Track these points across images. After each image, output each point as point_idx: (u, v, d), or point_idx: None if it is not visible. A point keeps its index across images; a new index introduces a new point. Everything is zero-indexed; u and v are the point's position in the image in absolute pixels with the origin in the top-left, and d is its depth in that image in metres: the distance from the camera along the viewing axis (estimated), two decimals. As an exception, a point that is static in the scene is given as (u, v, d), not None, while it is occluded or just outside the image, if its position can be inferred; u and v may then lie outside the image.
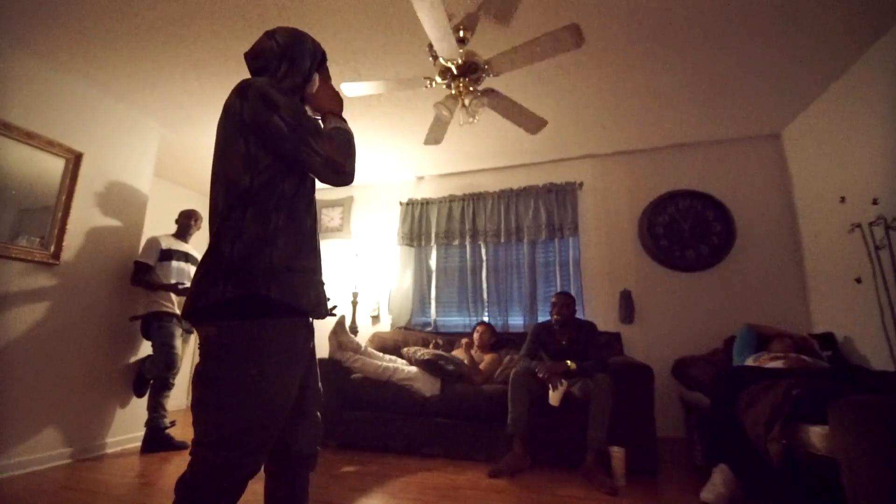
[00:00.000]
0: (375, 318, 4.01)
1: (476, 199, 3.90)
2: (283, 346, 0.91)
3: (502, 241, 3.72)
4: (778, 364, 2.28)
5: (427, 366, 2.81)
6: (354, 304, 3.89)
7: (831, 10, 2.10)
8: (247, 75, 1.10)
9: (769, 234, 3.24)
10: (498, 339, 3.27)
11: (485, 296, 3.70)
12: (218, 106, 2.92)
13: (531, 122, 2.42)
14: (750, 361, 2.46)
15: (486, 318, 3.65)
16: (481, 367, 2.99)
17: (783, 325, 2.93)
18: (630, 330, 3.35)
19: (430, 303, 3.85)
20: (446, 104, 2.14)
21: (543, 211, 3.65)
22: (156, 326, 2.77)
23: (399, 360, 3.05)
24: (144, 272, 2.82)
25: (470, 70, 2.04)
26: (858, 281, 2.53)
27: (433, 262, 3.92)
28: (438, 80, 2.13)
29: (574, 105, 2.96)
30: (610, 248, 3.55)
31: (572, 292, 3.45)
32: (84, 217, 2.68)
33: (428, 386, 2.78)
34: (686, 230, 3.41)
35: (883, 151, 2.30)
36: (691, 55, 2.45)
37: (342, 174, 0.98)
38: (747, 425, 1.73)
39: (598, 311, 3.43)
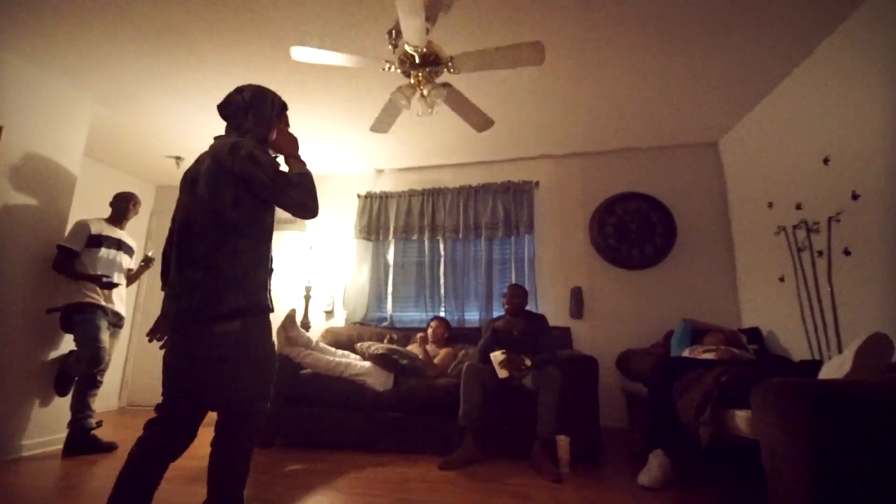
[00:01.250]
0: (329, 314, 3.91)
1: (435, 194, 3.90)
2: (270, 331, 1.35)
3: (461, 237, 3.75)
4: (710, 356, 2.45)
5: (381, 360, 2.77)
6: (307, 298, 3.77)
7: (764, 29, 2.27)
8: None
9: (706, 235, 3.47)
10: (452, 334, 3.28)
11: (442, 291, 3.71)
12: (161, 85, 2.78)
13: (479, 120, 2.45)
14: (686, 353, 2.61)
15: (442, 313, 3.66)
16: (435, 361, 2.99)
17: (716, 320, 3.14)
18: (579, 325, 3.47)
19: (386, 298, 3.81)
20: (404, 92, 2.12)
21: (501, 208, 3.71)
22: (78, 319, 2.52)
23: (352, 355, 2.99)
24: (68, 258, 2.57)
25: (432, 61, 2.03)
26: (782, 280, 2.76)
27: (391, 257, 3.88)
28: (397, 67, 2.10)
29: (531, 106, 3.03)
30: (563, 247, 3.66)
31: (527, 288, 3.54)
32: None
33: (381, 381, 2.74)
34: (633, 230, 3.58)
35: (806, 160, 2.52)
36: (641, 64, 2.58)
37: (310, 211, 1.33)
38: (681, 411, 1.84)
39: (550, 307, 3.53)
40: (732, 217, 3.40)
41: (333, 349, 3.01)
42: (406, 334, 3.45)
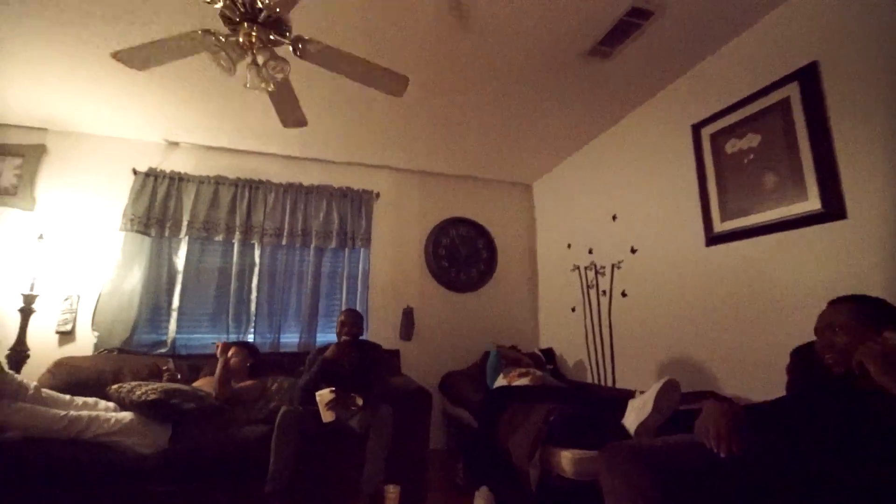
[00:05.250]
0: (67, 335, 2.69)
1: (254, 187, 3.19)
2: None
3: (284, 243, 3.15)
4: (525, 381, 2.68)
5: (151, 409, 1.98)
6: (27, 311, 2.51)
7: (582, 98, 2.60)
8: None
9: (518, 264, 3.90)
10: (257, 362, 2.68)
11: (253, 307, 3.03)
12: None
13: (291, 116, 2.05)
14: (501, 379, 2.79)
15: (251, 336, 2.99)
16: (234, 386, 2.35)
17: (522, 340, 3.55)
18: (408, 346, 3.37)
19: (169, 314, 2.87)
20: (227, 51, 1.53)
21: (336, 216, 3.30)
22: None
23: (101, 402, 2.08)
24: None
25: (269, 23, 1.52)
26: (573, 310, 3.27)
27: (180, 260, 2.96)
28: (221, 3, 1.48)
29: (375, 112, 2.76)
30: (398, 264, 3.52)
31: (357, 307, 3.23)
32: None
33: (149, 439, 1.96)
34: (462, 254, 3.72)
35: (599, 213, 3.05)
36: (481, 101, 2.62)
37: None
38: (512, 450, 1.88)
39: (381, 328, 3.33)
40: (539, 251, 3.91)
41: (67, 397, 2.03)
42: (194, 364, 2.66)
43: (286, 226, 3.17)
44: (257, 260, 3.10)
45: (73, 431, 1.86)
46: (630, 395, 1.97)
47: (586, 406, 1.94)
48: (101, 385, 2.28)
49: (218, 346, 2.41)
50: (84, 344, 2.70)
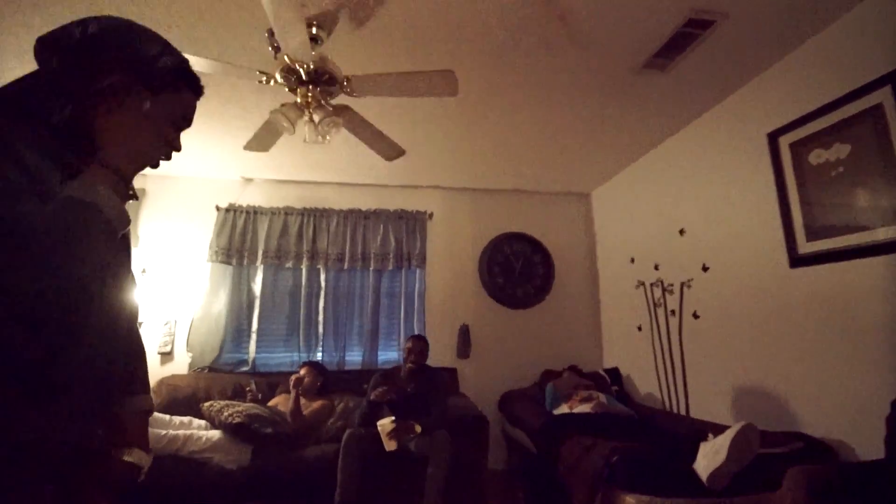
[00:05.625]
0: (166, 356, 3.08)
1: (318, 215, 3.41)
2: None
3: (346, 267, 3.34)
4: (587, 407, 2.58)
5: (236, 431, 2.21)
6: (135, 336, 2.91)
7: (644, 101, 2.42)
8: None
9: (577, 279, 3.77)
10: (326, 380, 2.83)
11: (320, 329, 3.24)
12: None
13: (389, 150, 2.16)
14: (564, 407, 2.71)
15: (319, 355, 3.20)
16: (305, 412, 2.53)
17: (583, 359, 3.41)
18: (465, 364, 3.40)
19: (249, 336, 3.17)
20: (287, 114, 1.69)
21: (393, 238, 3.43)
22: None
23: (195, 420, 2.36)
24: None
25: (323, 80, 1.65)
26: (640, 329, 3.09)
27: (258, 286, 3.25)
28: (279, 79, 1.66)
29: (428, 137, 2.82)
30: (453, 282, 3.56)
31: (415, 326, 3.34)
32: None
33: (233, 456, 2.19)
34: (517, 270, 3.68)
35: (665, 226, 2.86)
36: (536, 114, 2.54)
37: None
38: (571, 491, 1.83)
39: (438, 346, 3.38)
40: (600, 265, 3.74)
41: (167, 417, 2.32)
42: (272, 381, 2.90)
43: (347, 250, 3.36)
44: (323, 283, 3.32)
45: (171, 448, 2.13)
46: (704, 430, 1.83)
47: (652, 445, 1.82)
48: (195, 401, 2.59)
49: (292, 380, 2.60)
50: (181, 362, 3.07)
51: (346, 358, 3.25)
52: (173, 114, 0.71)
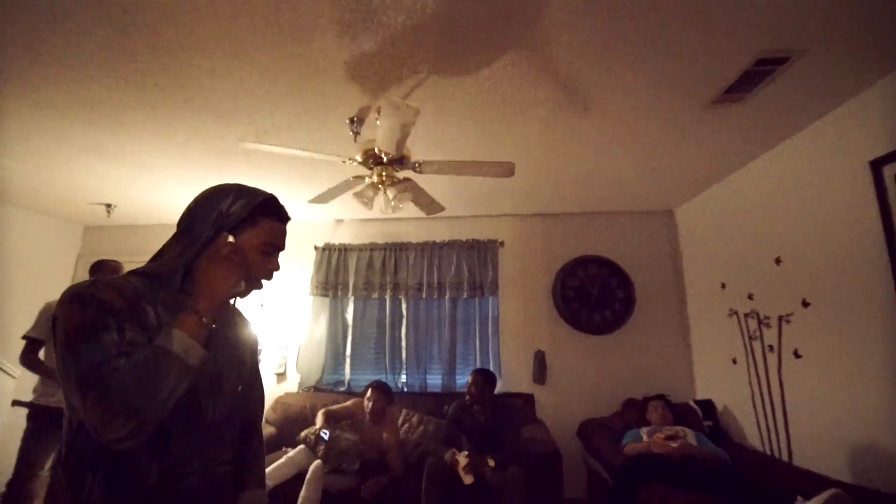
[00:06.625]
0: (281, 376, 3.64)
1: (398, 249, 3.74)
2: None
3: (424, 296, 3.62)
4: (671, 445, 2.48)
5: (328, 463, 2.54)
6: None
7: (737, 116, 2.20)
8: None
9: (662, 303, 3.57)
10: (391, 399, 2.95)
11: (404, 354, 3.56)
12: (82, 145, 2.42)
13: (429, 207, 2.44)
14: (643, 435, 2.63)
15: (403, 377, 3.51)
16: (387, 440, 2.72)
17: (671, 388, 3.23)
18: (542, 391, 3.45)
19: (344, 359, 3.60)
20: (366, 193, 1.98)
21: (466, 267, 3.62)
22: (31, 427, 2.18)
23: (302, 450, 2.69)
24: (34, 349, 2.21)
25: (398, 161, 1.91)
26: (734, 361, 2.86)
27: (350, 315, 3.68)
28: (359, 159, 1.95)
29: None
30: (526, 308, 3.63)
31: (490, 352, 3.48)
32: None
33: (331, 480, 2.52)
34: (594, 294, 3.61)
35: (758, 252, 2.62)
36: (613, 133, 2.40)
37: (100, 433, 0.65)
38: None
39: (514, 372, 3.49)
40: (687, 289, 3.51)
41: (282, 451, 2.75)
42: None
43: (425, 280, 3.63)
44: (405, 312, 3.63)
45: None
46: (805, 483, 1.69)
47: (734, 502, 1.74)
48: (304, 417, 3.05)
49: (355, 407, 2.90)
50: (292, 382, 3.60)
51: (428, 380, 3.52)
52: (258, 244, 0.86)
